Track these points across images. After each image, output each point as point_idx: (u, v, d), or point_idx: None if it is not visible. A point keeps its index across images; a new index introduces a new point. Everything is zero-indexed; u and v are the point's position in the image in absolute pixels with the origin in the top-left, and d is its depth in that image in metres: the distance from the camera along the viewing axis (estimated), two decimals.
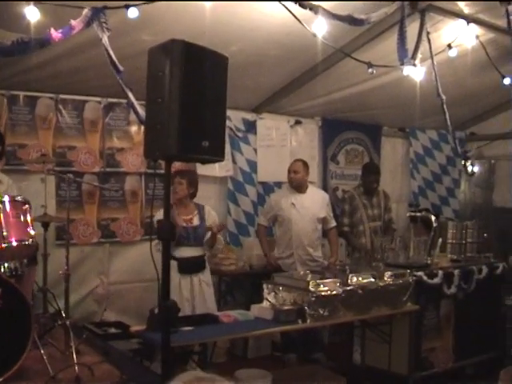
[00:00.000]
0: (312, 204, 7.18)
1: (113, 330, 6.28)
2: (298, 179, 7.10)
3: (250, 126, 7.96)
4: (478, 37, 6.28)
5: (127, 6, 4.30)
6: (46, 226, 5.20)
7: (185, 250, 6.08)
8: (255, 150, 8.03)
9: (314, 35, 4.67)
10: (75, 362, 4.43)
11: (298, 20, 4.52)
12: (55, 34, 4.00)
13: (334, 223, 7.44)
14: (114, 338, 5.96)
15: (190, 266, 6.17)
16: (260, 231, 7.40)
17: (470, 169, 8.71)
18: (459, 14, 6.01)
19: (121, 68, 4.32)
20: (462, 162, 9.02)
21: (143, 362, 5.84)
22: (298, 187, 7.13)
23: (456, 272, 6.48)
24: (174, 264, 6.21)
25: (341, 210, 8.04)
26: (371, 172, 7.95)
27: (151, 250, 3.86)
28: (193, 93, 3.53)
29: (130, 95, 4.45)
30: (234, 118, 7.70)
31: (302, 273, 5.94)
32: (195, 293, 6.18)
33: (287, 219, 7.11)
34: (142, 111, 4.33)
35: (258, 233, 7.49)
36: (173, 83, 3.46)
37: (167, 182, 3.84)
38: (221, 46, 4.05)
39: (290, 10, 4.50)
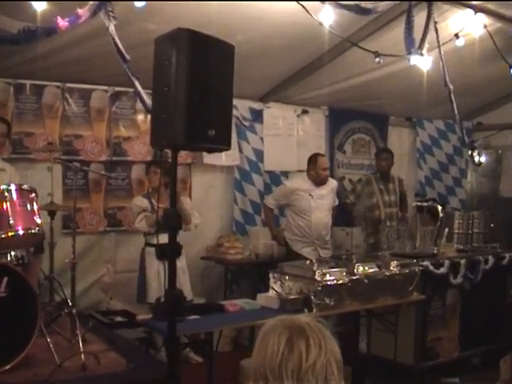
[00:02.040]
0: (328, 195, 7.25)
1: (119, 319, 6.30)
2: (328, 176, 7.23)
3: (257, 115, 7.95)
4: (485, 26, 6.24)
5: None
6: (52, 214, 5.21)
7: (162, 237, 6.08)
8: (262, 139, 8.02)
9: (321, 24, 4.65)
10: (81, 350, 4.45)
11: (305, 9, 4.50)
12: (62, 22, 3.99)
13: (337, 201, 7.55)
14: (120, 327, 5.98)
15: (167, 252, 6.22)
16: (268, 212, 7.44)
17: (476, 159, 8.69)
18: (467, 4, 5.98)
19: (127, 57, 4.30)
20: (469, 152, 9.01)
21: (149, 350, 5.87)
22: (324, 182, 7.18)
23: (462, 262, 6.48)
24: (152, 251, 6.29)
25: (352, 187, 8.22)
26: (381, 151, 8.27)
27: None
28: (199, 82, 3.52)
29: (137, 84, 4.44)
30: (241, 107, 7.68)
31: (308, 262, 5.95)
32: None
33: (307, 210, 7.11)
34: (148, 100, 4.32)
35: (265, 214, 7.53)
36: (179, 72, 3.45)
37: (174, 171, 3.84)
38: (227, 35, 4.04)
39: (297, 1, 4.49)
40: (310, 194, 7.08)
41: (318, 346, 1.67)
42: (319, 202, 7.11)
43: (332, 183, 7.51)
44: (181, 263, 6.40)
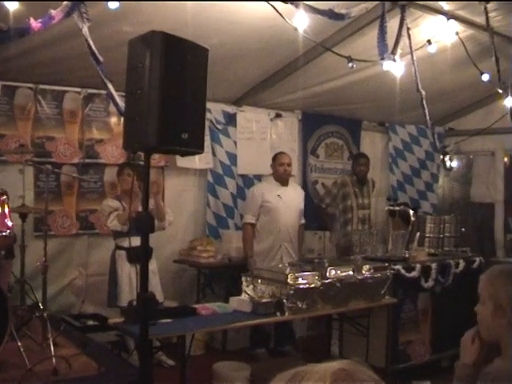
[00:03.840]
0: (295, 196, 7.26)
1: (91, 323, 6.27)
2: (290, 172, 7.22)
3: (230, 119, 7.95)
4: (457, 33, 6.32)
5: None
6: (23, 217, 5.18)
7: (133, 240, 6.08)
8: (235, 143, 8.03)
9: (295, 29, 4.66)
10: (52, 354, 4.43)
11: (279, 13, 4.51)
12: (35, 23, 3.97)
13: (303, 220, 7.50)
14: (92, 331, 5.94)
15: (139, 255, 6.23)
16: (248, 231, 7.19)
17: (448, 164, 8.79)
18: (439, 10, 6.04)
19: (101, 59, 4.29)
20: (441, 157, 9.11)
21: (121, 354, 5.85)
22: (286, 180, 7.17)
23: (433, 266, 6.55)
24: (123, 254, 6.27)
25: (327, 189, 8.28)
26: (358, 156, 8.29)
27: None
28: (172, 85, 3.52)
29: (110, 86, 4.43)
30: (214, 111, 7.69)
31: (280, 266, 5.97)
32: None
33: (275, 211, 7.08)
34: (121, 102, 4.31)
35: (244, 233, 7.26)
36: (152, 75, 3.45)
37: (146, 174, 3.83)
38: (202, 38, 4.04)
39: (271, 4, 4.49)
40: (279, 195, 7.08)
41: None
42: (288, 203, 7.11)
43: (298, 187, 7.63)
44: (152, 266, 6.38)
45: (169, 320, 4.69)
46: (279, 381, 1.31)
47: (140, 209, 6.16)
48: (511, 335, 2.45)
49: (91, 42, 4.26)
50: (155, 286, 6.43)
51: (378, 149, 9.84)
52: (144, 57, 3.51)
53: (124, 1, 4.35)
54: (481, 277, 2.62)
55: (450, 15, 6.11)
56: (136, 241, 6.12)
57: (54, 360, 4.36)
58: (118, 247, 6.44)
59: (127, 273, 6.33)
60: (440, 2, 5.85)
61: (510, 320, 2.44)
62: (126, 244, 6.19)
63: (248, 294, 5.21)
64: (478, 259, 7.14)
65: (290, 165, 7.16)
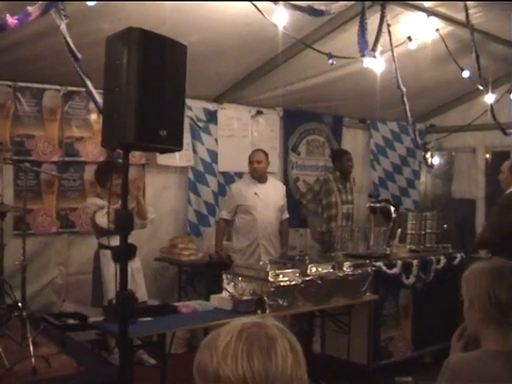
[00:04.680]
0: (274, 193, 7.24)
1: (71, 321, 6.22)
2: (261, 169, 7.12)
3: (211, 116, 7.93)
4: (437, 30, 6.34)
5: None
6: (2, 215, 5.13)
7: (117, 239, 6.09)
8: (216, 140, 8.01)
9: (275, 26, 4.65)
10: (32, 353, 4.38)
11: (259, 10, 4.50)
12: (11, 20, 3.92)
13: (287, 214, 7.49)
14: (72, 329, 5.90)
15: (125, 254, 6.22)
16: (220, 226, 7.30)
17: (429, 160, 8.81)
18: (419, 7, 6.06)
19: (79, 56, 4.25)
20: (422, 154, 9.13)
21: (101, 352, 5.81)
22: (260, 177, 7.14)
23: (415, 262, 6.58)
24: (108, 253, 6.23)
25: (309, 186, 8.22)
26: (344, 152, 8.21)
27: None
28: (151, 82, 3.50)
29: (89, 84, 4.39)
30: (195, 108, 7.66)
31: (261, 263, 5.96)
32: (129, 281, 6.20)
33: (252, 209, 7.08)
34: (100, 100, 4.27)
35: (217, 227, 7.39)
36: (130, 72, 3.43)
37: (125, 171, 3.80)
38: (181, 35, 4.03)
39: (251, 1, 4.48)
40: (256, 193, 7.08)
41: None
42: (265, 201, 7.11)
43: (278, 183, 7.61)
44: (136, 264, 6.39)
45: (149, 318, 4.67)
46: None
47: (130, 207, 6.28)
48: (487, 330, 2.51)
49: (69, 39, 4.22)
50: (140, 284, 6.45)
51: (359, 146, 9.87)
52: (122, 54, 3.49)
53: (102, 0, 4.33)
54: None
55: (430, 12, 6.13)
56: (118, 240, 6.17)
57: (33, 359, 4.32)
58: (102, 246, 6.39)
59: (113, 272, 6.24)
60: None
61: (480, 316, 2.49)
62: (112, 243, 6.12)
63: (229, 292, 5.20)
64: (459, 255, 7.18)
65: (260, 162, 7.10)
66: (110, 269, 6.32)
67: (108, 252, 6.23)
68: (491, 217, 6.65)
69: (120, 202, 6.03)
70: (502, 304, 2.45)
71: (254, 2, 4.48)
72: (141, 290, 6.37)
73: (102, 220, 6.23)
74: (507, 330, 2.46)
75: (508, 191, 6.34)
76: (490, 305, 2.47)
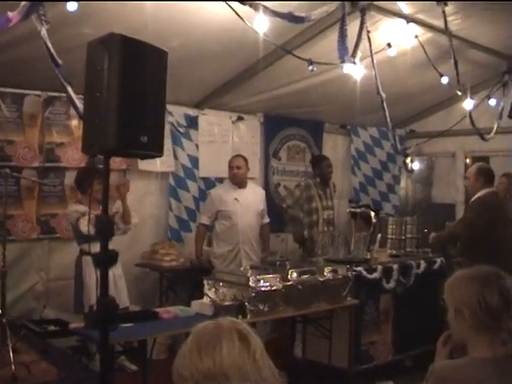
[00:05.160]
0: (254, 198, 7.26)
1: (52, 328, 6.20)
2: (241, 175, 7.13)
3: (192, 122, 7.93)
4: (416, 36, 6.40)
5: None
6: None
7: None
8: (197, 146, 8.00)
9: (256, 32, 4.67)
10: (12, 360, 4.37)
11: (240, 17, 4.51)
12: None
13: (268, 219, 7.52)
14: (52, 336, 5.88)
15: (107, 261, 6.22)
16: (200, 231, 7.32)
17: (409, 165, 8.87)
18: (399, 14, 6.12)
19: (59, 61, 4.24)
20: (402, 159, 9.19)
21: (82, 359, 5.79)
22: (240, 183, 7.16)
23: (395, 267, 6.61)
24: (90, 259, 6.21)
25: (290, 191, 8.20)
26: (323, 158, 8.23)
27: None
28: (131, 87, 3.49)
29: (69, 89, 4.38)
30: (176, 114, 7.66)
31: (242, 268, 5.97)
32: (111, 287, 6.21)
33: (232, 214, 7.10)
34: (81, 105, 4.26)
35: (197, 233, 7.40)
36: (111, 77, 3.42)
37: (106, 177, 3.79)
38: (162, 40, 4.03)
39: (231, 7, 4.49)
40: (236, 199, 7.09)
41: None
42: (245, 206, 7.13)
43: (257, 188, 7.64)
44: (118, 270, 6.38)
45: (130, 324, 4.66)
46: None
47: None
48: (476, 337, 2.49)
49: (50, 45, 4.21)
50: (122, 290, 6.42)
51: (340, 151, 9.91)
52: (102, 59, 3.48)
53: (83, 0, 4.33)
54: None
55: (409, 18, 6.19)
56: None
57: (13, 366, 4.30)
58: (84, 252, 6.36)
59: (95, 278, 6.21)
60: (399, 4, 5.91)
61: (470, 323, 2.47)
62: (93, 249, 6.11)
63: (210, 297, 5.20)
64: (439, 260, 7.22)
65: (240, 168, 7.12)
66: (92, 275, 6.30)
67: (90, 258, 6.21)
68: (464, 218, 6.72)
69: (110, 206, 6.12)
70: (492, 309, 2.43)
71: (234, 9, 4.50)
72: (123, 296, 6.36)
73: (86, 228, 6.21)
74: (497, 336, 2.44)
75: (475, 197, 6.41)
76: (480, 310, 2.43)
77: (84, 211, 6.26)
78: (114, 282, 6.32)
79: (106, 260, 3.81)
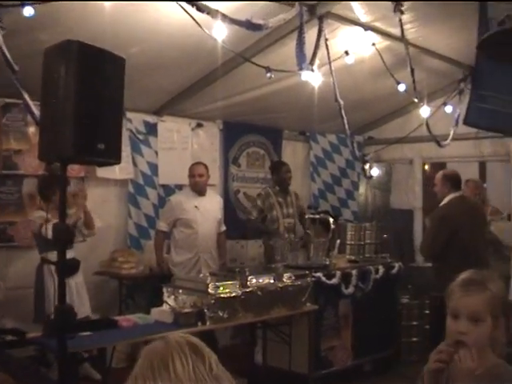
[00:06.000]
0: (212, 206, 7.28)
1: (9, 338, 6.11)
2: (203, 183, 7.15)
3: (151, 129, 7.89)
4: (374, 44, 6.47)
5: (23, 5, 4.22)
6: None
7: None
8: (156, 153, 7.97)
9: (215, 39, 4.69)
10: None
11: (198, 24, 4.53)
12: None
13: (224, 227, 7.55)
14: (9, 346, 5.80)
15: (69, 269, 6.19)
16: (159, 238, 7.31)
17: (368, 172, 8.94)
18: (356, 22, 6.19)
19: (16, 68, 4.22)
20: (361, 166, 9.26)
21: (41, 368, 5.72)
22: (201, 191, 7.16)
23: (354, 272, 6.66)
24: (52, 268, 6.17)
25: (252, 202, 8.13)
26: (281, 164, 8.27)
27: None
28: (88, 94, 3.49)
29: (26, 96, 4.36)
30: (135, 121, 7.63)
31: (201, 275, 5.97)
32: (73, 295, 6.18)
33: (192, 222, 7.09)
34: (38, 112, 4.24)
35: (156, 240, 7.37)
36: (68, 84, 3.41)
37: (63, 184, 3.77)
38: (121, 47, 4.04)
39: (190, 14, 4.51)
40: (196, 206, 7.10)
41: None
42: (205, 214, 7.15)
43: (216, 196, 7.68)
44: (79, 279, 6.37)
45: (89, 333, 4.62)
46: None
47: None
48: None
49: (6, 51, 4.19)
50: (83, 298, 6.41)
51: (299, 158, 9.95)
52: (59, 66, 3.47)
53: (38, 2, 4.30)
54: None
55: (366, 26, 6.26)
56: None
57: None
58: (45, 261, 6.29)
59: (57, 288, 6.20)
60: (356, 12, 5.98)
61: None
62: (54, 258, 6.07)
63: (169, 305, 5.19)
64: (397, 265, 7.30)
65: (202, 175, 7.14)
66: (54, 284, 6.25)
67: (52, 267, 6.16)
68: (428, 231, 6.81)
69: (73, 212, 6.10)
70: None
71: (193, 16, 4.51)
72: (84, 304, 6.34)
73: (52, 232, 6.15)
74: None
75: (443, 203, 6.50)
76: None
77: (47, 218, 6.21)
78: (76, 290, 6.29)
79: (63, 267, 3.76)
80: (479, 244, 6.42)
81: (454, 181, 6.52)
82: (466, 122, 7.00)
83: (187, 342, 1.56)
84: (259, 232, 8.14)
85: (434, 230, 6.47)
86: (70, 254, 6.26)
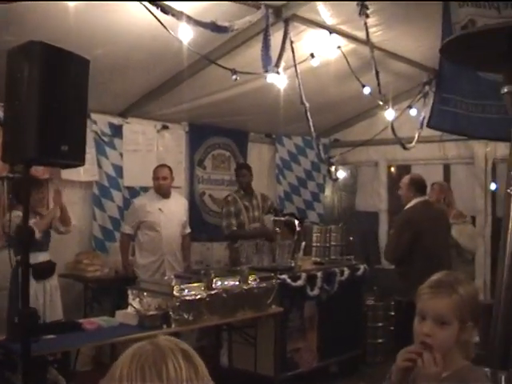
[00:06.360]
0: (177, 209, 7.27)
1: None
2: (167, 185, 7.14)
3: (116, 131, 7.84)
4: (339, 47, 6.51)
5: None
6: None
7: (38, 256, 6.05)
8: (121, 155, 7.91)
9: (180, 41, 4.68)
10: None
11: (164, 26, 4.51)
12: None
13: (189, 229, 7.55)
14: None
15: (45, 272, 6.22)
16: (124, 241, 7.29)
17: (334, 174, 8.98)
18: (322, 25, 6.21)
19: None
20: (327, 168, 9.29)
21: (5, 373, 5.65)
22: (165, 193, 7.15)
23: (319, 274, 6.69)
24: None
25: (226, 211, 7.96)
26: (239, 167, 8.24)
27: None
28: (52, 96, 3.47)
29: None
30: (100, 122, 7.57)
31: (166, 278, 5.95)
32: (47, 298, 6.16)
33: (156, 225, 7.08)
34: (1, 113, 4.21)
35: (121, 243, 7.34)
36: (31, 85, 3.39)
37: (26, 186, 3.75)
38: (85, 49, 4.01)
39: (155, 16, 4.48)
40: (160, 209, 7.08)
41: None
42: (169, 216, 7.14)
43: (181, 198, 7.65)
44: (54, 282, 6.36)
45: (53, 336, 4.59)
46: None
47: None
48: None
49: None
50: (57, 302, 6.40)
51: (265, 160, 9.95)
52: (23, 67, 3.45)
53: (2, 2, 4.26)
54: None
55: (332, 29, 6.29)
56: (39, 257, 6.12)
57: None
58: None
59: (33, 290, 6.14)
60: (322, 15, 6.01)
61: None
62: (31, 260, 6.02)
63: (134, 307, 5.17)
64: (362, 267, 7.35)
65: (166, 178, 7.14)
66: (30, 288, 6.18)
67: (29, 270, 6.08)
68: (392, 235, 6.87)
69: (37, 217, 6.06)
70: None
71: (158, 18, 4.49)
72: (58, 308, 6.33)
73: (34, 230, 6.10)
74: None
75: (408, 206, 6.56)
76: None
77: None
78: (50, 294, 6.25)
79: (27, 269, 3.73)
80: (442, 248, 6.49)
81: (419, 185, 6.58)
82: (430, 125, 7.04)
83: (180, 348, 1.50)
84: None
85: (398, 233, 6.52)
86: (44, 257, 6.27)
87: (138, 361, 1.45)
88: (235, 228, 7.76)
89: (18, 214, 6.14)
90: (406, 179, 6.70)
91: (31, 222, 6.09)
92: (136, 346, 1.51)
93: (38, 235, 6.15)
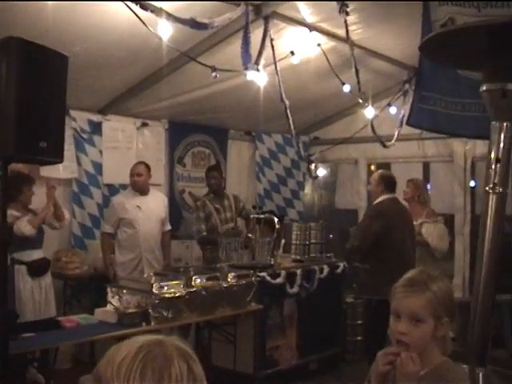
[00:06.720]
0: (155, 206, 7.24)
1: None
2: (142, 182, 7.10)
3: (96, 128, 7.79)
4: (319, 45, 6.52)
5: None
6: None
7: (33, 253, 6.04)
8: (101, 152, 7.87)
9: (159, 38, 4.67)
10: None
11: (143, 22, 4.50)
12: None
13: (169, 226, 7.52)
14: None
15: (40, 269, 6.22)
16: (105, 240, 7.24)
17: (313, 172, 9.00)
18: (302, 22, 6.22)
19: None
20: (307, 166, 9.31)
21: None
22: (142, 190, 7.12)
23: (298, 272, 6.70)
24: (23, 268, 6.10)
25: (195, 217, 7.90)
26: (208, 170, 8.12)
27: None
28: (30, 92, 3.44)
29: None
30: (79, 119, 7.52)
31: (145, 275, 5.94)
32: (42, 296, 6.15)
33: (134, 222, 7.05)
34: None
35: (102, 242, 7.29)
36: (9, 82, 3.36)
37: (4, 183, 3.72)
38: (64, 45, 3.99)
39: (134, 12, 4.47)
40: (138, 206, 7.07)
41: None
42: (148, 213, 7.12)
43: (160, 195, 7.62)
44: (48, 279, 6.35)
45: (31, 334, 4.56)
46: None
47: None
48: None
49: None
50: (51, 300, 6.38)
51: (244, 158, 9.95)
52: (0, 63, 3.42)
53: None
54: None
55: (312, 27, 6.30)
56: (33, 254, 6.17)
57: None
58: (16, 261, 6.17)
59: (29, 288, 6.12)
60: (302, 12, 6.01)
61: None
62: (25, 258, 6.03)
63: (113, 305, 5.15)
64: (341, 264, 7.36)
65: (141, 175, 7.11)
66: (25, 285, 6.16)
67: (23, 267, 6.09)
68: (360, 226, 6.89)
69: (30, 214, 6.02)
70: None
71: (138, 14, 4.48)
72: (51, 306, 6.32)
73: (26, 228, 6.06)
74: None
75: (376, 202, 6.61)
76: None
77: (18, 215, 6.14)
78: (45, 291, 6.22)
79: (4, 268, 3.70)
80: (408, 246, 6.54)
81: (388, 183, 6.63)
82: (409, 123, 7.06)
83: (184, 356, 1.45)
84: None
85: (367, 224, 6.55)
86: (39, 254, 6.25)
87: (142, 358, 1.41)
88: (205, 233, 7.69)
89: (10, 213, 6.12)
90: (376, 175, 6.76)
91: (25, 219, 6.08)
92: (143, 340, 1.46)
93: (32, 232, 6.13)
